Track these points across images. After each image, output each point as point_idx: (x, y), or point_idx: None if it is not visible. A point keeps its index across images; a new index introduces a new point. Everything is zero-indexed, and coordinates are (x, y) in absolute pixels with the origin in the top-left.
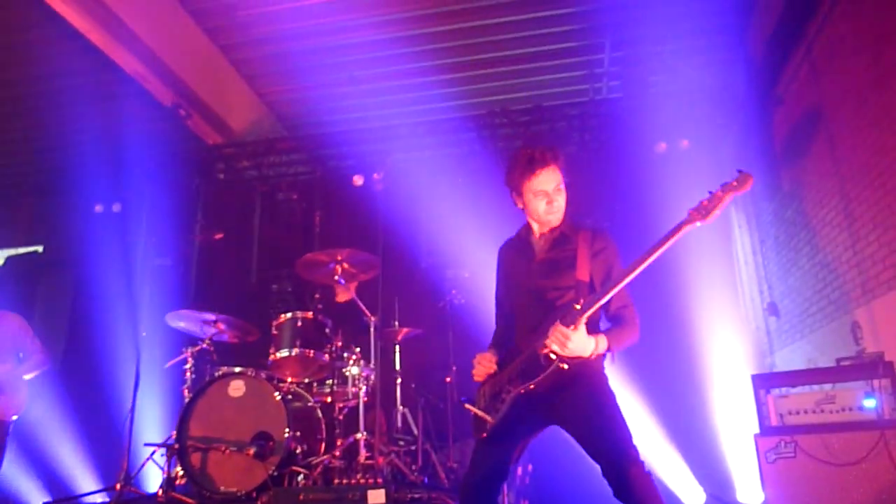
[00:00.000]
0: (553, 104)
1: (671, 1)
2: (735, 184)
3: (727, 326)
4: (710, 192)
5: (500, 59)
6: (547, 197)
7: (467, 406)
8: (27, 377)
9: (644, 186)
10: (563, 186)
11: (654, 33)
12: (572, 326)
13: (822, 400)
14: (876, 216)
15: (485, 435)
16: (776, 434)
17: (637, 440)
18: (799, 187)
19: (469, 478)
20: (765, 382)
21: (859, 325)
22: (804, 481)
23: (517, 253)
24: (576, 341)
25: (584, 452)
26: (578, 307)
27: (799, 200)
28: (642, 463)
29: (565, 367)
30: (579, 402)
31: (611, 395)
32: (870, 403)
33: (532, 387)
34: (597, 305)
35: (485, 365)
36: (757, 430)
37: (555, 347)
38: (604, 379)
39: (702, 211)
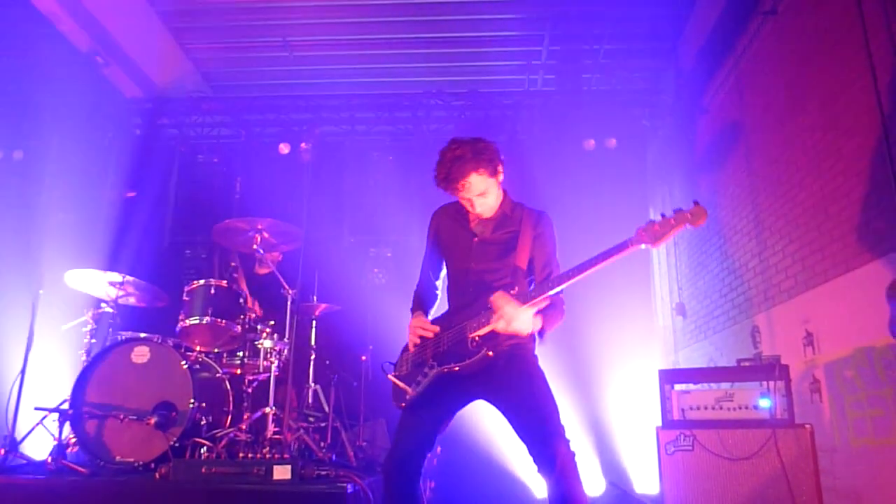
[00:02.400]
0: (488, 91)
1: (611, 2)
2: (689, 215)
3: (638, 324)
4: (663, 216)
5: (439, 39)
6: (470, 203)
7: (389, 376)
8: None
9: (569, 181)
10: (489, 185)
11: (592, 32)
12: (523, 305)
13: (722, 398)
14: (783, 228)
15: (403, 405)
16: (677, 427)
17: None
18: (715, 195)
19: (393, 449)
20: (671, 378)
21: (759, 330)
22: (699, 474)
23: (456, 224)
24: (523, 320)
25: (509, 429)
26: (528, 289)
27: (714, 207)
28: (569, 440)
29: (490, 354)
30: (513, 381)
31: (542, 376)
32: (764, 403)
33: (456, 369)
34: (548, 293)
35: (425, 329)
36: (659, 424)
37: (500, 325)
38: (535, 359)
39: (652, 235)
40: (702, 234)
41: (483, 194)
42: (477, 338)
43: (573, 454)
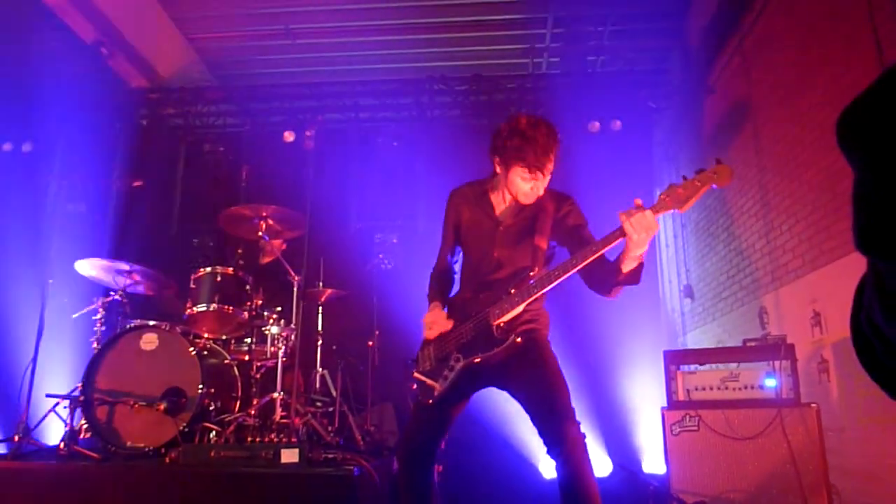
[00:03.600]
0: (492, 75)
1: None
2: (713, 174)
3: (646, 306)
4: (685, 178)
5: (443, 24)
6: (533, 184)
7: (416, 374)
8: None
9: (575, 163)
10: (550, 171)
11: (596, 14)
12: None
13: (727, 378)
14: (790, 207)
15: (430, 402)
16: (682, 408)
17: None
18: None
19: (410, 439)
20: (675, 359)
21: (766, 311)
22: (705, 454)
23: (478, 210)
24: (651, 221)
25: (522, 413)
26: (533, 274)
27: (720, 188)
28: (579, 423)
29: (519, 340)
30: (526, 363)
31: (554, 358)
32: (770, 382)
33: (478, 360)
34: (564, 276)
35: (440, 324)
36: (665, 405)
37: (638, 236)
38: (548, 343)
39: (676, 198)
40: (708, 216)
41: (547, 178)
42: (502, 324)
43: (583, 436)
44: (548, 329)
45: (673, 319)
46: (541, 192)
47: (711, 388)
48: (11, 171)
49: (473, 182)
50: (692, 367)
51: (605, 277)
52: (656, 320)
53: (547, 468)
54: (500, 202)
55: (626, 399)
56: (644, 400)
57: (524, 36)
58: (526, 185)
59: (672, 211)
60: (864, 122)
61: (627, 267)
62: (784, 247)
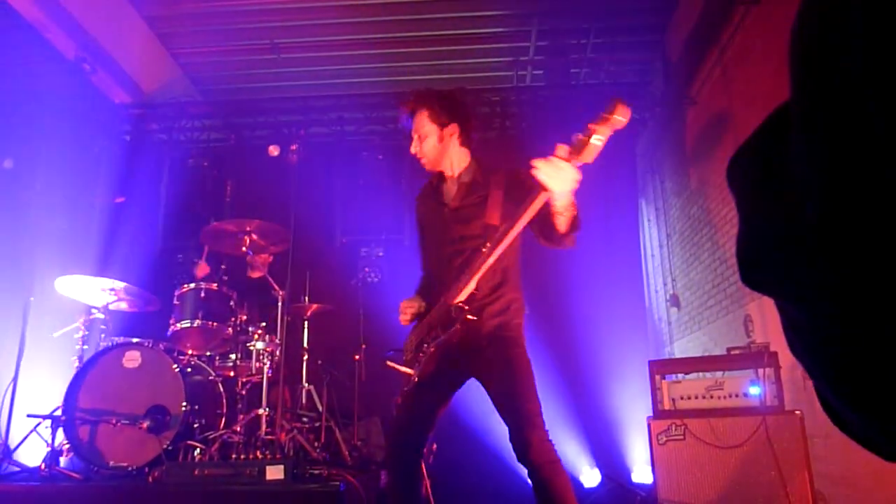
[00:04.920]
0: (476, 88)
1: None
2: (606, 115)
3: (632, 316)
4: (583, 126)
5: (426, 38)
6: (412, 143)
7: (389, 363)
8: None
9: None
10: (430, 131)
11: (580, 27)
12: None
13: (712, 386)
14: None
15: (407, 389)
16: (668, 417)
17: (543, 411)
18: (705, 186)
19: (396, 436)
20: (660, 368)
21: (751, 319)
22: (691, 462)
23: (431, 200)
24: (567, 174)
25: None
26: (485, 250)
27: (704, 198)
28: (546, 431)
29: (473, 318)
30: (495, 365)
31: (525, 363)
32: (754, 390)
33: (443, 338)
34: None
35: (413, 308)
36: (651, 414)
37: (548, 182)
38: (522, 345)
39: (579, 146)
40: (693, 225)
41: (422, 137)
42: (461, 304)
43: (548, 444)
44: (521, 317)
45: (660, 329)
46: (428, 152)
47: (697, 397)
48: None
49: (428, 181)
50: (678, 376)
51: (551, 233)
52: (643, 330)
53: None
54: (448, 188)
55: (613, 409)
56: (631, 409)
57: (508, 49)
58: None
59: (580, 162)
60: (738, 164)
61: (562, 225)
62: None
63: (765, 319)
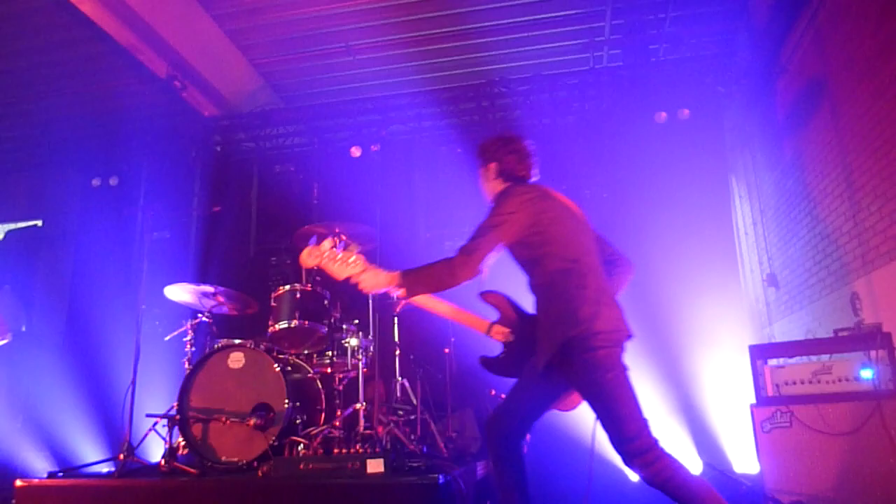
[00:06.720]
0: (553, 73)
1: None
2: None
3: (726, 297)
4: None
5: (499, 27)
6: None
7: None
8: None
9: (644, 156)
10: (482, 176)
11: (656, 1)
12: None
13: (819, 370)
14: (877, 187)
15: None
16: (772, 404)
17: (639, 424)
18: (801, 157)
19: (504, 404)
20: (762, 353)
21: (858, 297)
22: (799, 451)
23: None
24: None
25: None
26: None
27: (800, 170)
28: (643, 452)
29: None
30: (577, 388)
31: (597, 380)
32: (866, 374)
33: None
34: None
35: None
36: (753, 401)
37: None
38: (590, 363)
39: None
40: (789, 200)
41: (482, 184)
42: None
43: (641, 452)
44: (590, 340)
45: (757, 310)
46: (486, 193)
47: (802, 382)
48: (102, 204)
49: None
50: (780, 360)
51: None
52: (739, 311)
53: None
54: None
55: (710, 395)
56: (730, 395)
57: (583, 31)
58: None
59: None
60: None
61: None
62: (874, 228)
63: (874, 297)
